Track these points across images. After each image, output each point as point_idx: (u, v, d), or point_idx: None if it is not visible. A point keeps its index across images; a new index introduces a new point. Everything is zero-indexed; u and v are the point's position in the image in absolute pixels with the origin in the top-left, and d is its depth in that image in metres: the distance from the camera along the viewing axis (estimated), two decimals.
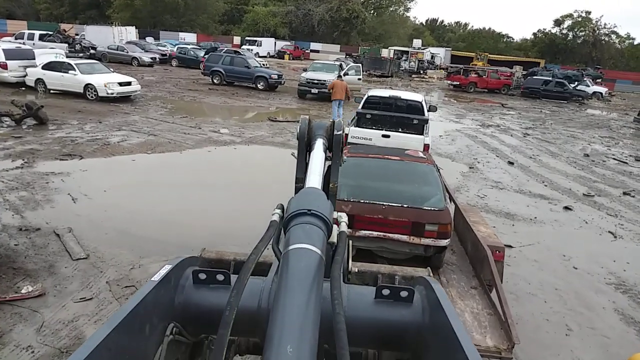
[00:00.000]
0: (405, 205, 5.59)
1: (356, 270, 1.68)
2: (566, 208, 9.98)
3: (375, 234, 5.52)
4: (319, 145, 1.80)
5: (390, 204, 5.60)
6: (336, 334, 0.78)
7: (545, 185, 11.62)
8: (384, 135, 9.68)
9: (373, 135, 9.71)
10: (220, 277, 1.20)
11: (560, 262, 7.39)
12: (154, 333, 1.11)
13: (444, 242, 5.46)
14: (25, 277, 5.67)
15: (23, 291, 5.36)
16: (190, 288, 1.21)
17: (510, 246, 7.44)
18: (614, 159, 15.70)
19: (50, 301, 5.28)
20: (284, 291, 0.85)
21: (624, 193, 11.49)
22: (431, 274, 2.43)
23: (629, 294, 6.62)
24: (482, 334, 4.33)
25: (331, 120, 1.99)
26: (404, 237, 5.47)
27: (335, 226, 1.11)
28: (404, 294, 1.18)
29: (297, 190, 1.77)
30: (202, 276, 1.20)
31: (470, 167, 12.79)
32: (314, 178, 1.47)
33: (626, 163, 15.19)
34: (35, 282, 5.58)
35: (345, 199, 5.59)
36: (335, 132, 1.86)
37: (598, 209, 10.16)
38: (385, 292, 1.18)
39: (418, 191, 6.05)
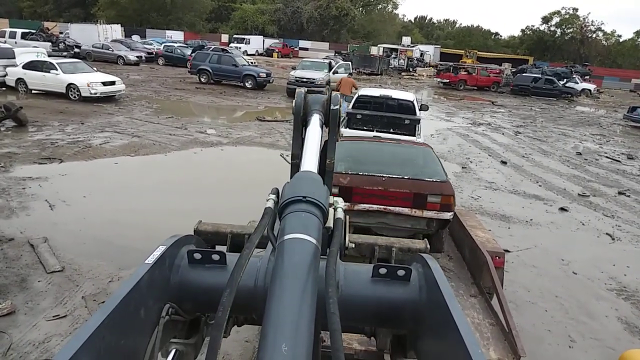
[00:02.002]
0: (406, 177, 5.40)
1: (353, 246, 1.57)
2: (562, 209, 9.77)
3: (375, 207, 5.29)
4: (315, 120, 1.77)
5: (391, 176, 5.41)
6: (331, 335, 0.76)
7: (540, 185, 11.41)
8: (375, 137, 9.39)
9: (364, 136, 9.43)
10: (215, 257, 1.20)
11: (559, 267, 7.15)
12: (150, 314, 1.10)
13: (447, 215, 5.27)
14: None
15: None
16: (185, 268, 1.21)
17: (507, 250, 7.19)
18: (607, 157, 15.56)
19: (20, 320, 4.91)
20: (279, 286, 0.83)
21: (619, 192, 11.32)
22: (428, 247, 2.29)
23: (631, 301, 6.39)
24: (484, 346, 4.03)
25: (328, 93, 1.93)
26: (406, 210, 5.26)
27: (331, 210, 1.10)
28: (401, 273, 1.18)
29: (293, 167, 1.81)
30: (198, 256, 1.21)
31: (462, 167, 12.54)
32: (310, 160, 1.43)
33: (619, 161, 15.05)
34: (4, 298, 5.20)
35: (343, 172, 5.39)
36: (332, 107, 1.83)
37: (594, 209, 9.96)
38: (382, 271, 1.18)
39: (418, 166, 5.90)
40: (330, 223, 1.07)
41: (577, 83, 38.29)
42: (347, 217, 1.27)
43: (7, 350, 4.41)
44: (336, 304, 0.82)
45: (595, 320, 5.85)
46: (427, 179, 5.41)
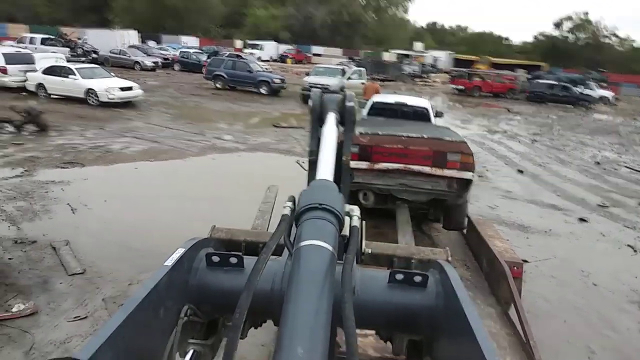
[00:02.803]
0: (425, 137, 5.41)
1: (369, 251, 1.63)
2: (581, 219, 9.65)
3: (394, 165, 5.26)
4: (331, 119, 1.82)
5: (410, 135, 5.41)
6: (347, 339, 0.77)
7: (558, 195, 11.30)
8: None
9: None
10: (233, 260, 1.22)
11: (579, 278, 7.07)
12: (168, 316, 1.12)
13: (468, 175, 5.23)
14: (17, 294, 5.37)
15: (14, 310, 5.06)
16: (203, 270, 1.24)
17: (525, 261, 7.11)
18: (626, 166, 15.35)
19: (43, 320, 4.98)
20: (295, 291, 0.84)
21: None
22: (449, 257, 2.27)
23: None
24: (501, 356, 4.01)
25: (343, 93, 1.99)
26: (426, 169, 5.23)
27: (347, 219, 1.11)
28: (417, 279, 1.18)
29: (310, 163, 1.88)
30: (216, 259, 1.23)
31: (479, 176, 12.44)
32: (326, 160, 1.47)
33: (639, 171, 14.83)
34: (27, 299, 5.28)
35: (363, 132, 5.41)
36: (347, 104, 1.88)
37: (614, 220, 9.82)
38: (399, 276, 1.18)
39: (437, 132, 6.00)
40: (346, 231, 1.08)
41: (594, 90, 37.80)
42: (364, 223, 1.28)
43: (29, 349, 4.49)
44: (352, 308, 0.83)
45: (616, 332, 5.77)
46: (446, 138, 5.43)
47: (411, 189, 5.41)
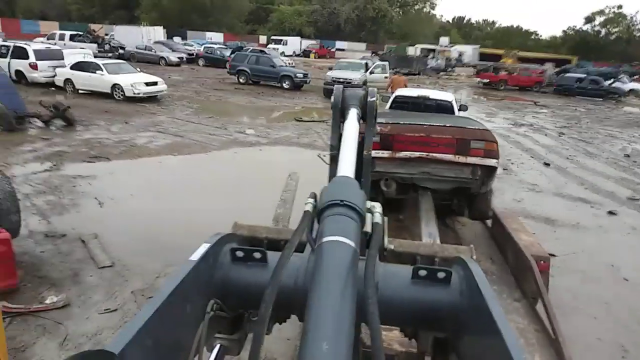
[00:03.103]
0: (448, 125, 5.35)
1: (392, 247, 1.61)
2: (610, 213, 9.43)
3: (416, 154, 5.17)
4: (352, 115, 1.83)
5: (432, 124, 5.35)
6: (371, 334, 0.76)
7: (586, 188, 11.05)
8: None
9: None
10: (257, 255, 1.23)
11: (608, 273, 6.91)
12: (195, 310, 1.13)
13: (492, 162, 5.13)
14: (50, 287, 5.52)
15: (47, 302, 5.19)
16: (228, 265, 1.25)
17: (553, 255, 6.97)
18: None
19: (74, 312, 5.11)
20: (319, 287, 0.84)
21: None
22: (474, 255, 2.22)
23: None
24: (530, 352, 3.93)
25: (365, 88, 1.99)
26: (449, 156, 5.13)
27: (368, 215, 1.10)
28: (441, 275, 1.18)
29: (331, 157, 1.91)
30: (240, 254, 1.24)
31: (504, 169, 12.26)
32: (346, 163, 1.46)
33: None
34: (59, 291, 5.42)
35: (384, 122, 5.36)
36: (369, 99, 1.90)
37: None
38: (422, 273, 1.18)
39: (460, 121, 5.90)
40: (368, 228, 1.08)
41: (625, 83, 36.78)
42: (386, 219, 1.26)
43: (63, 341, 4.61)
44: (376, 304, 0.82)
45: None
46: (469, 127, 5.37)
47: (434, 177, 5.34)
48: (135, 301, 5.36)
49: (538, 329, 4.23)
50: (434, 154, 5.15)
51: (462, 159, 5.09)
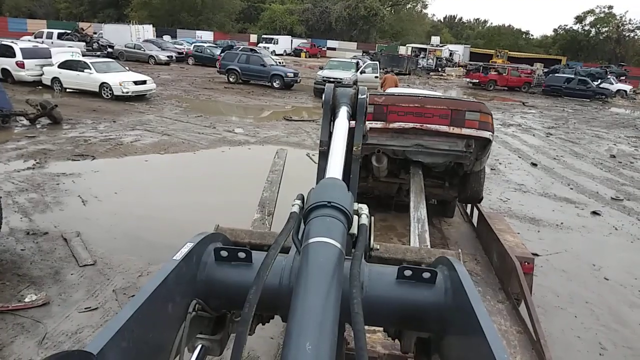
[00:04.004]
0: (443, 97, 5.31)
1: (378, 247, 1.56)
2: (594, 213, 9.52)
3: (410, 125, 5.06)
4: (342, 113, 1.86)
5: (427, 95, 5.33)
6: (355, 335, 0.76)
7: (571, 188, 11.15)
8: None
9: None
10: (242, 255, 1.22)
11: (590, 273, 6.98)
12: (177, 310, 1.12)
13: (486, 134, 5.02)
14: (29, 285, 5.48)
15: (27, 300, 5.16)
16: (212, 265, 1.23)
17: (536, 254, 7.04)
18: None
19: (54, 311, 5.07)
20: (303, 288, 0.84)
21: None
22: (461, 260, 2.22)
23: None
24: (511, 354, 3.95)
25: (355, 87, 2.02)
26: (443, 127, 5.02)
27: (355, 217, 1.10)
28: (426, 275, 1.18)
29: (321, 153, 1.93)
30: (224, 254, 1.23)
31: (491, 169, 12.34)
32: (335, 165, 1.46)
33: None
34: (39, 290, 5.38)
35: (378, 94, 5.30)
36: (360, 97, 1.93)
37: (628, 214, 9.67)
38: (407, 273, 1.18)
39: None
40: (354, 230, 1.08)
41: (612, 84, 37.14)
42: (373, 218, 1.26)
43: (42, 339, 4.57)
44: (360, 304, 0.82)
45: (628, 328, 5.69)
46: (464, 99, 5.42)
47: (427, 150, 5.22)
48: (116, 300, 5.33)
49: (520, 330, 4.25)
50: (428, 125, 5.05)
51: (456, 130, 5.00)
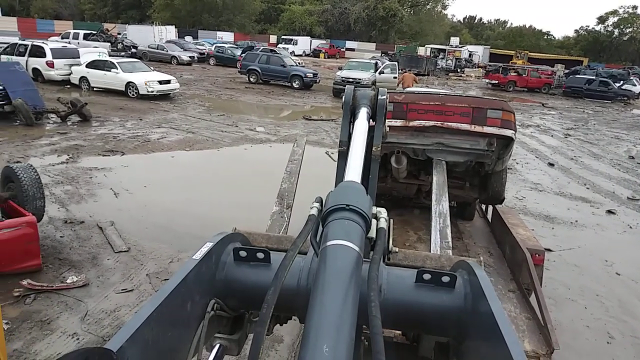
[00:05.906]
0: (464, 95, 5.31)
1: (396, 250, 1.64)
2: (609, 212, 9.65)
3: (431, 123, 4.95)
4: (362, 114, 1.86)
5: (448, 94, 5.29)
6: (372, 338, 0.76)
7: (587, 188, 11.27)
8: None
9: None
10: (260, 255, 1.24)
11: (602, 268, 7.16)
12: (196, 309, 1.14)
13: (509, 132, 4.89)
14: (70, 268, 5.90)
15: (68, 281, 5.57)
16: (231, 265, 1.25)
17: (549, 250, 7.24)
18: None
19: (94, 291, 5.48)
20: (321, 290, 0.85)
21: None
22: (482, 264, 2.31)
23: None
24: (520, 337, 4.18)
25: (375, 88, 2.05)
26: (465, 126, 4.89)
27: (374, 221, 1.09)
28: (445, 279, 1.17)
29: (340, 153, 1.94)
30: (243, 254, 1.24)
31: (508, 168, 12.48)
32: (354, 168, 1.44)
33: None
34: (79, 272, 5.79)
35: (398, 92, 5.19)
36: (379, 97, 1.94)
37: None
38: (427, 276, 1.18)
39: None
40: (372, 234, 1.07)
41: (635, 85, 36.62)
42: (392, 221, 1.28)
43: (84, 316, 4.97)
44: (378, 307, 0.82)
45: (636, 319, 5.87)
46: (486, 97, 5.42)
47: (448, 149, 5.11)
48: (150, 283, 5.72)
49: (529, 317, 4.48)
50: (449, 123, 4.94)
51: (478, 129, 4.89)
